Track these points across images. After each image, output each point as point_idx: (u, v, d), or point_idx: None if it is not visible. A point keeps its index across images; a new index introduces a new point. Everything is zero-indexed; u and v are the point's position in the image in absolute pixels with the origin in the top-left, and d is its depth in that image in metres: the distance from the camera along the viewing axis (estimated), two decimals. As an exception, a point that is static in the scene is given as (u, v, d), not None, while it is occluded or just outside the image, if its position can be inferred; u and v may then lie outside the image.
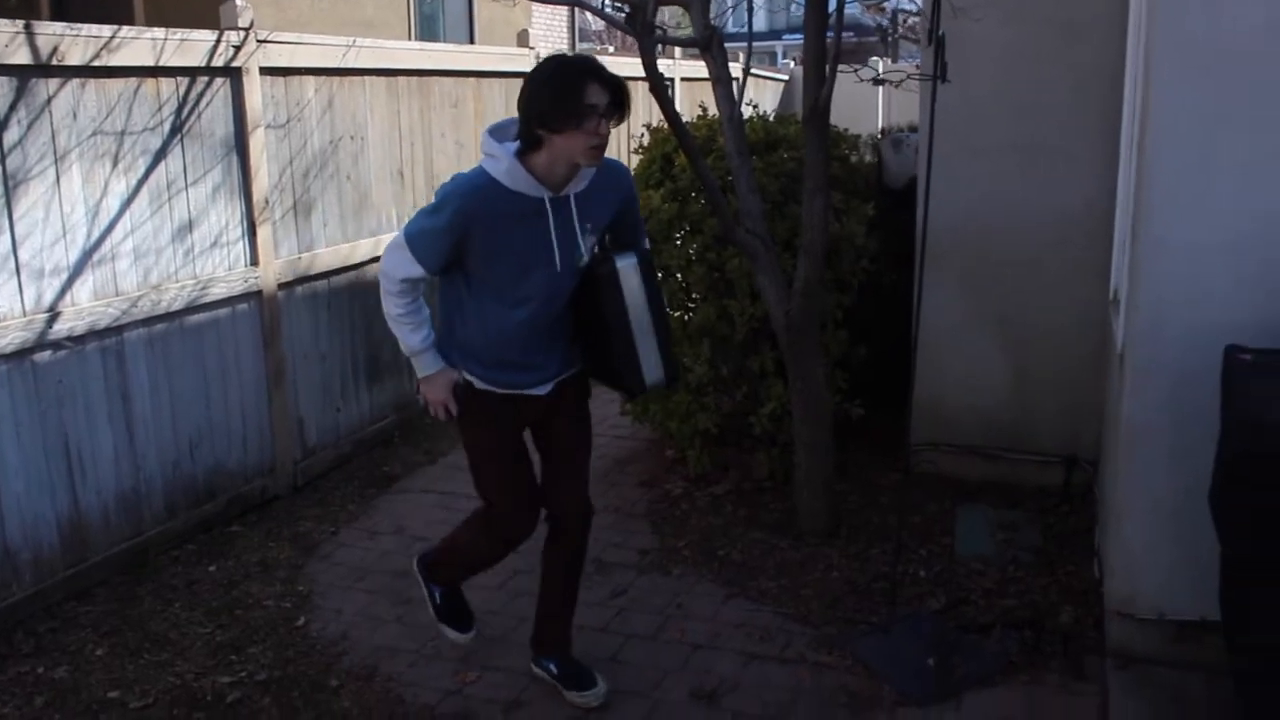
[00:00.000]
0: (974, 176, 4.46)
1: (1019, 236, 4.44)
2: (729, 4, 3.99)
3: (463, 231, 2.80)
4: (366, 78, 5.31)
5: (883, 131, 6.92)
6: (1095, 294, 4.31)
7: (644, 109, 7.08)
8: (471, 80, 6.27)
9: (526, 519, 3.19)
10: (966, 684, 3.18)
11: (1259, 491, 2.39)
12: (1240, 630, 2.58)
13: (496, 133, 2.89)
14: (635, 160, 5.09)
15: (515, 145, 2.81)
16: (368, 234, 5.36)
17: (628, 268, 2.94)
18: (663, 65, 8.22)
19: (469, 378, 3.02)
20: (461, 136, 6.17)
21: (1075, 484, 4.40)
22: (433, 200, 2.90)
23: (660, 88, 3.69)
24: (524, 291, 2.91)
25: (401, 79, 5.60)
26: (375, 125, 5.40)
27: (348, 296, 5.23)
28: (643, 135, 5.07)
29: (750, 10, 4.12)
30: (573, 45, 13.60)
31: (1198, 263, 2.93)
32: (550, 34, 13.50)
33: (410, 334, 2.99)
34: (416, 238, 2.87)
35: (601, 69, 2.78)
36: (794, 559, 3.99)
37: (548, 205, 2.85)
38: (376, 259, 5.37)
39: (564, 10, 13.65)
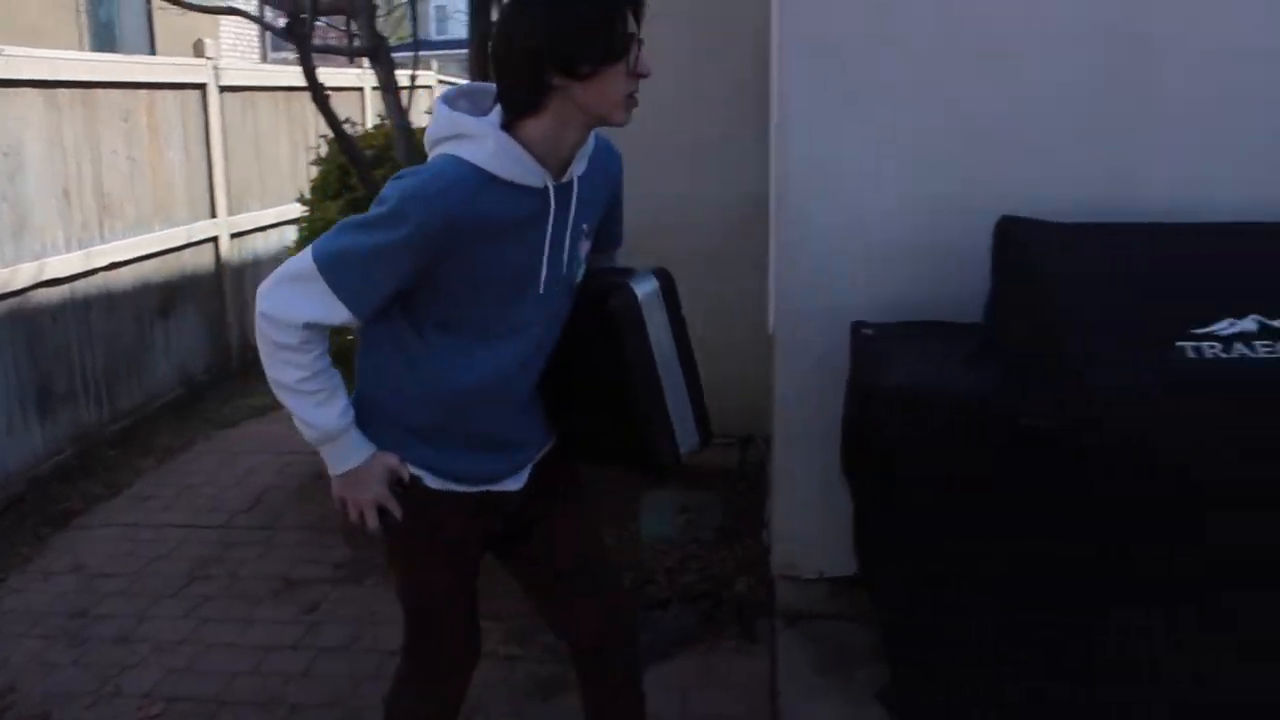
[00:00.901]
0: (647, 175, 4.62)
1: (693, 232, 4.66)
2: (384, 10, 3.98)
3: (435, 250, 1.89)
4: (21, 89, 4.99)
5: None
6: (764, 284, 4.60)
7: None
8: (144, 92, 6.01)
9: (470, 647, 2.35)
10: (648, 657, 3.31)
11: (869, 461, 2.63)
12: (870, 590, 2.84)
13: (456, 102, 1.99)
14: (313, 171, 5.02)
15: (495, 117, 1.94)
16: (30, 257, 5.03)
17: (650, 298, 2.07)
18: (355, 74, 8.12)
19: (416, 472, 2.07)
20: (135, 152, 5.89)
21: (750, 461, 4.68)
22: (373, 206, 1.91)
23: (322, 98, 3.68)
24: (514, 321, 2.03)
25: (64, 91, 5.29)
26: (34, 141, 5.08)
27: (9, 325, 4.89)
28: (319, 145, 5.01)
29: (414, 17, 4.15)
30: (264, 55, 13.18)
31: (832, 246, 3.18)
32: (240, 42, 13.03)
33: (317, 409, 1.98)
34: (343, 263, 1.90)
35: None
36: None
37: (551, 196, 1.98)
38: (42, 284, 5.07)
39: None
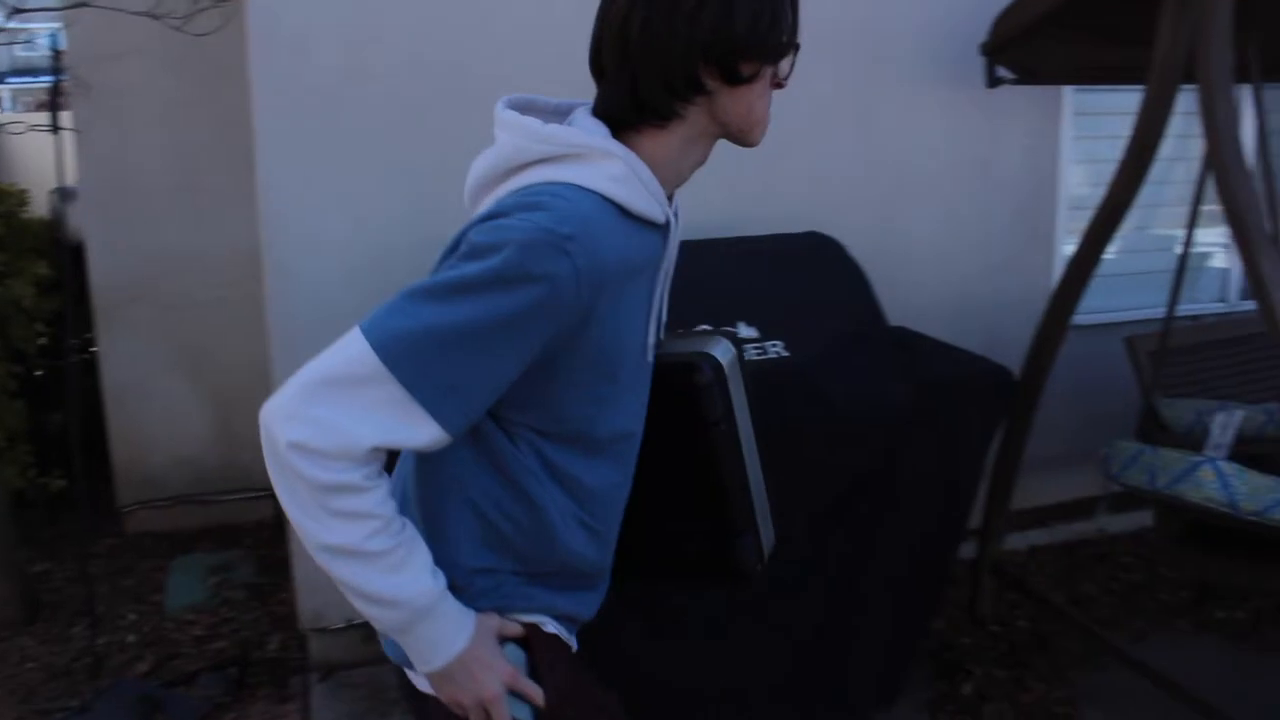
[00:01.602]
0: (141, 223, 4.41)
1: (194, 278, 4.46)
2: None
3: (572, 321, 1.30)
4: None
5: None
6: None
7: None
8: None
9: None
10: (174, 739, 3.16)
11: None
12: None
13: (537, 112, 1.44)
14: None
15: (594, 125, 1.40)
16: None
17: (733, 368, 1.60)
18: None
19: (530, 620, 1.46)
20: None
21: (283, 513, 4.55)
22: (463, 260, 1.28)
23: None
24: (626, 410, 1.48)
25: None
26: None
27: None
28: None
29: None
30: None
31: (322, 294, 3.15)
32: None
33: (397, 574, 1.31)
34: (425, 350, 1.24)
35: None
36: (-16, 659, 3.64)
37: (673, 235, 1.47)
38: None
39: None
